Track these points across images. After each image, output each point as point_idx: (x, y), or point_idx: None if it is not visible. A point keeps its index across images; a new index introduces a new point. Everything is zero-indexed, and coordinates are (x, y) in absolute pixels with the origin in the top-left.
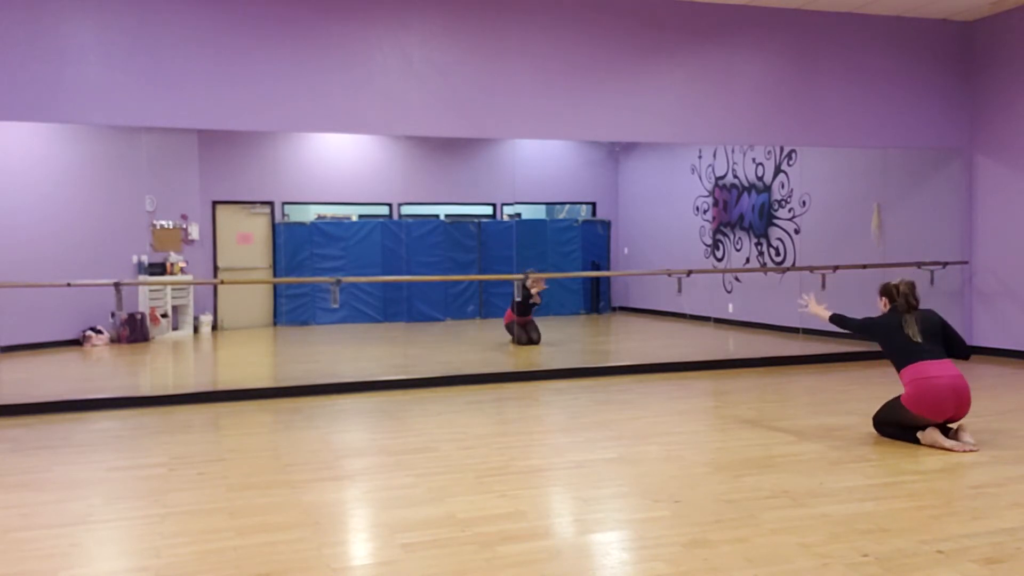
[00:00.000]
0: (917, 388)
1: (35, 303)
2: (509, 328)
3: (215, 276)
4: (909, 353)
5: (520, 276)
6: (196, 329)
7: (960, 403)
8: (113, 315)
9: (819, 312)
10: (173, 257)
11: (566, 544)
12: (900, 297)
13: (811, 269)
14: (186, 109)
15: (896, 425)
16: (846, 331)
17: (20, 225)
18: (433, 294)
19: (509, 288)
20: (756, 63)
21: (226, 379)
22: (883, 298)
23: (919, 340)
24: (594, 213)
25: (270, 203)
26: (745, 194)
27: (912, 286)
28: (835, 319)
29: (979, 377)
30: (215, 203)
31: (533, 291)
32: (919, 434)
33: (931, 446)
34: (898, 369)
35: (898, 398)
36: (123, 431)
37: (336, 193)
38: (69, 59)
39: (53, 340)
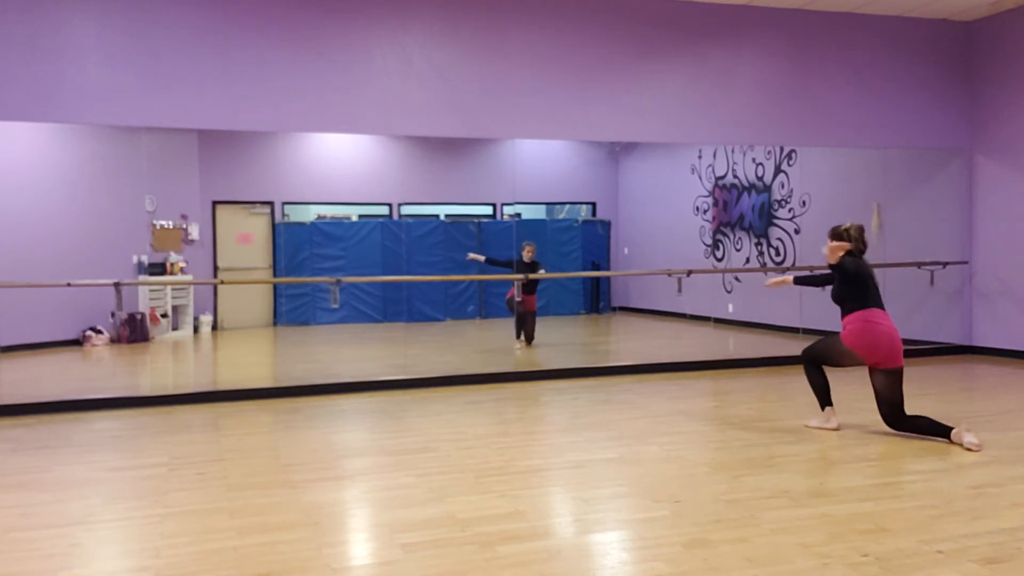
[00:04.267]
0: (862, 327)
1: (35, 303)
2: (509, 304)
3: (215, 276)
4: (873, 298)
5: (520, 276)
6: (196, 329)
7: (892, 352)
8: (113, 315)
9: (781, 280)
10: (173, 257)
11: (566, 544)
12: (856, 239)
13: (811, 269)
14: (186, 109)
15: (820, 357)
16: (815, 286)
17: (20, 225)
18: (433, 294)
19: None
20: (756, 63)
21: (226, 379)
22: (837, 241)
23: (876, 284)
24: (594, 213)
25: (270, 203)
26: (745, 194)
27: (861, 229)
28: (800, 280)
29: (979, 377)
30: (215, 203)
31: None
32: (952, 434)
33: (958, 443)
34: (852, 311)
35: (836, 336)
36: (123, 431)
37: (336, 193)
38: (69, 59)
39: (53, 340)
